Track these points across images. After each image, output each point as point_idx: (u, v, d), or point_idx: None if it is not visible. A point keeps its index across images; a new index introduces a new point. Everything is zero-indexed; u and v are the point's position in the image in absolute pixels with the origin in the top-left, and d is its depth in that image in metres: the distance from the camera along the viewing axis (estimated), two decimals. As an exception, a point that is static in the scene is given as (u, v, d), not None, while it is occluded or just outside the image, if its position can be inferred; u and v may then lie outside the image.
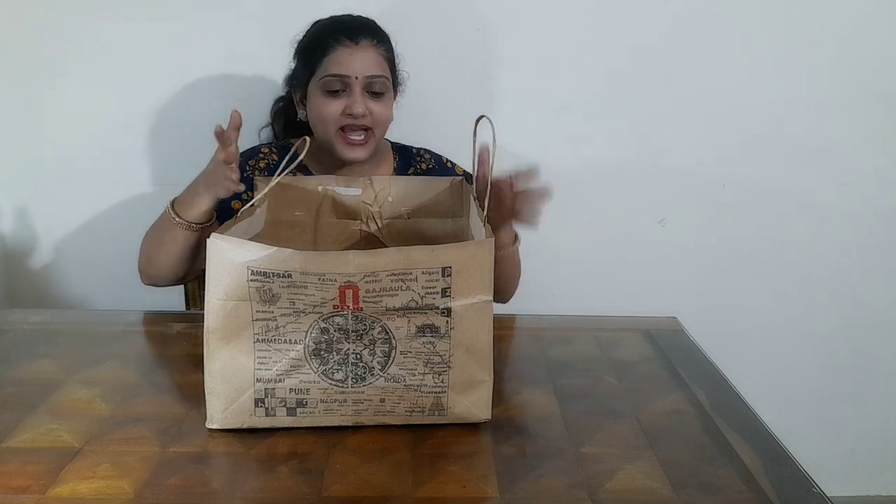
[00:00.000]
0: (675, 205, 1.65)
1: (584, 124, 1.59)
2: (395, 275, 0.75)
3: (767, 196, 1.65)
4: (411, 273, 0.76)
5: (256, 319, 0.77)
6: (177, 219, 1.07)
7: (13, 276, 1.62)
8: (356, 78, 1.16)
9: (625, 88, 1.57)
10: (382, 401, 0.81)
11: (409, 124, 1.36)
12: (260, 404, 0.80)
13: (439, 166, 1.34)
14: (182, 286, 1.39)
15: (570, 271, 1.63)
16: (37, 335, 1.06)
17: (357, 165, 1.22)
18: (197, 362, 0.97)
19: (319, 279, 0.75)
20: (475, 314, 0.79)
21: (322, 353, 0.79)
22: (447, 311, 0.78)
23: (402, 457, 0.77)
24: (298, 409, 0.81)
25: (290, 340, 0.78)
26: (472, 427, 0.83)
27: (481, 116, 0.93)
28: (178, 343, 1.05)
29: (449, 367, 0.80)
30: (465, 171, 1.32)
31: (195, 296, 1.44)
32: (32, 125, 1.54)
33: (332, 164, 1.23)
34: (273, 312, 0.77)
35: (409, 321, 0.78)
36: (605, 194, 1.63)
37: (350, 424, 0.82)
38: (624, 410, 0.88)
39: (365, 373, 0.80)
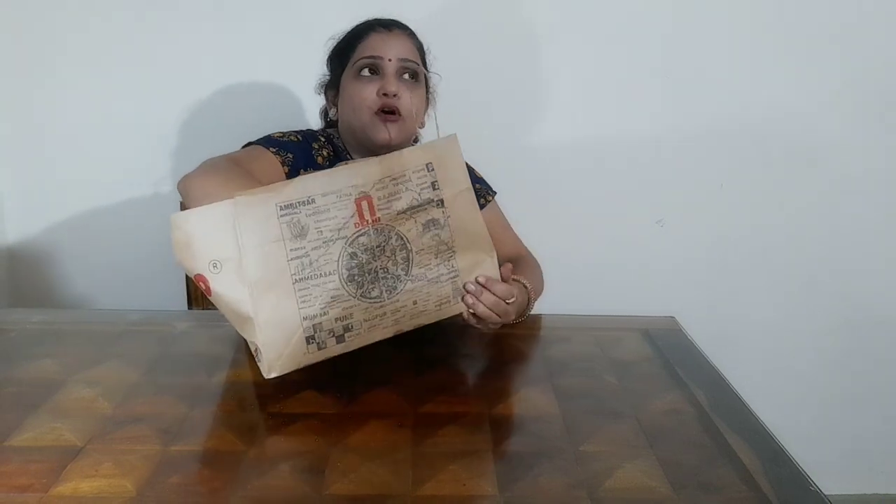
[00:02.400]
0: (675, 205, 1.65)
1: (584, 124, 1.59)
2: (394, 179, 0.88)
3: (767, 196, 1.65)
4: (405, 174, 0.88)
5: (291, 259, 0.83)
6: None
7: (16, 276, 1.62)
8: (389, 60, 1.16)
9: (622, 88, 1.57)
10: (415, 303, 0.91)
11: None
12: (311, 341, 0.86)
13: None
14: (185, 285, 1.39)
15: (570, 271, 1.63)
16: (39, 335, 1.06)
17: None
18: (198, 362, 0.98)
19: (338, 196, 0.84)
20: (462, 201, 0.92)
21: (355, 277, 0.86)
22: (441, 202, 0.91)
23: (402, 455, 0.77)
24: (346, 335, 0.87)
25: (324, 273, 0.84)
26: (473, 426, 0.83)
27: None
28: (180, 342, 1.05)
29: (454, 252, 0.92)
30: (480, 176, 1.32)
31: (197, 295, 1.44)
32: (35, 125, 1.55)
33: (363, 154, 1.21)
34: (305, 247, 0.83)
35: (415, 221, 0.89)
36: (605, 194, 1.64)
37: (392, 335, 0.91)
38: (623, 410, 0.89)
39: (395, 282, 0.89)
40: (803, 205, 1.66)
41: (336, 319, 0.86)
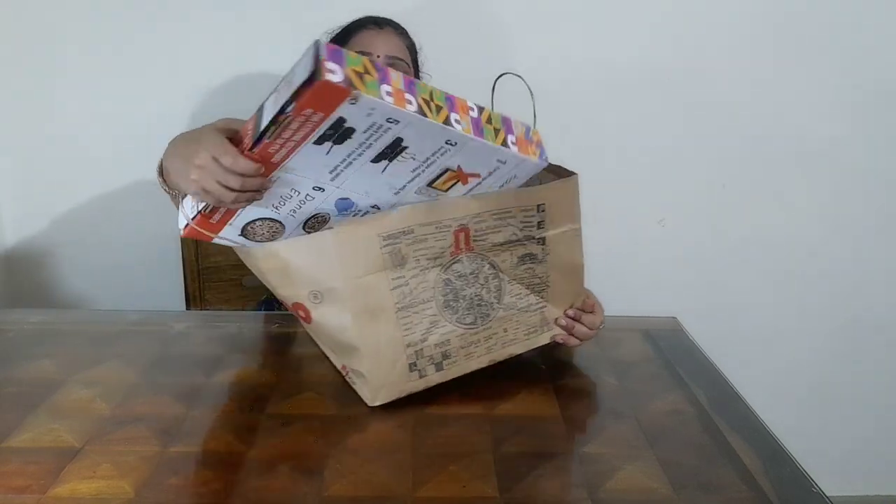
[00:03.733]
0: (675, 205, 1.65)
1: (584, 124, 1.59)
2: (496, 214, 0.87)
3: (767, 196, 1.65)
4: (510, 211, 0.88)
5: (393, 288, 0.84)
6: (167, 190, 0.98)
7: (14, 276, 1.62)
8: (378, 56, 1.17)
9: (623, 88, 1.57)
10: (506, 330, 0.92)
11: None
12: (413, 368, 0.87)
13: None
14: (182, 285, 1.39)
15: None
16: (37, 335, 1.06)
17: None
18: (197, 362, 0.98)
19: (437, 227, 0.84)
20: (566, 239, 0.93)
21: (451, 303, 0.88)
22: (542, 240, 0.91)
23: (402, 457, 0.77)
24: (444, 362, 0.89)
25: (423, 300, 0.86)
26: (473, 427, 0.83)
27: (503, 74, 0.95)
28: (178, 343, 1.05)
29: (547, 285, 0.93)
30: None
31: (195, 296, 1.44)
32: (33, 125, 1.54)
33: None
34: (405, 276, 0.84)
35: (511, 254, 0.90)
36: (606, 195, 1.63)
37: (486, 364, 0.91)
38: (624, 410, 0.88)
39: (488, 309, 0.90)
40: (805, 205, 1.65)
41: (435, 346, 0.87)
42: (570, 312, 0.96)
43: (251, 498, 0.70)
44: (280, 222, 0.86)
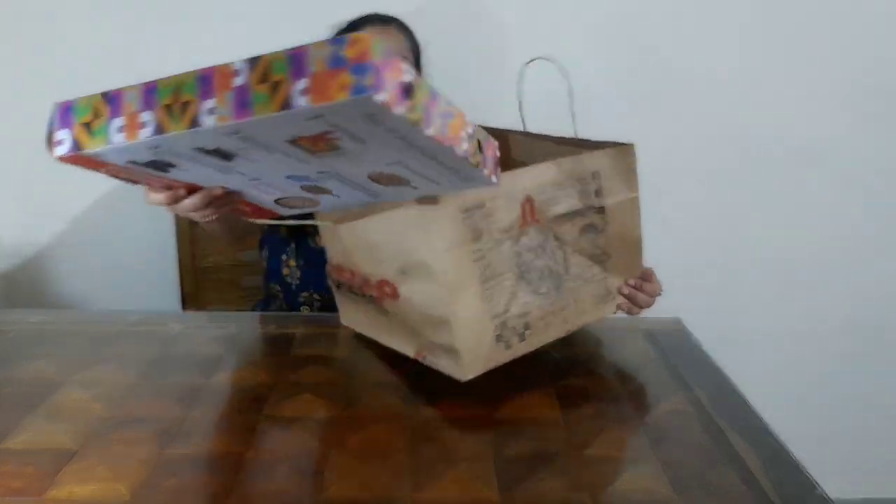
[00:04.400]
0: (678, 205, 1.64)
1: (583, 124, 1.58)
2: (555, 184, 0.89)
3: (772, 197, 1.64)
4: (568, 180, 0.90)
5: (475, 260, 0.84)
6: None
7: (11, 276, 1.61)
8: None
9: (624, 88, 1.56)
10: (576, 301, 0.94)
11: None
12: (500, 339, 0.88)
13: None
14: (178, 286, 1.39)
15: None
16: (35, 335, 1.05)
17: None
18: (195, 363, 0.97)
19: (506, 199, 0.85)
20: (626, 208, 0.96)
21: (525, 275, 0.88)
22: (602, 209, 0.93)
23: (401, 458, 0.76)
24: (526, 332, 0.90)
25: (500, 272, 0.86)
26: (473, 429, 0.82)
27: (534, 59, 0.97)
28: (177, 343, 1.04)
29: (609, 256, 0.96)
30: None
31: (193, 296, 1.44)
32: (30, 124, 1.54)
33: None
34: (482, 249, 0.85)
35: (572, 224, 0.91)
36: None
37: (563, 335, 0.94)
38: (626, 412, 0.88)
39: (559, 280, 0.92)
40: (808, 205, 1.65)
41: (517, 316, 0.88)
42: (632, 282, 1.00)
43: (250, 500, 0.70)
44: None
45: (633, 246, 0.99)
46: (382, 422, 0.83)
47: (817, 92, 1.58)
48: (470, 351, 0.86)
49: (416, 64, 1.27)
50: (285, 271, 1.27)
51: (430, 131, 0.58)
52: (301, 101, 0.53)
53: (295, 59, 0.54)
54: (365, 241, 0.89)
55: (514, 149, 1.15)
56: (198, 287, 1.46)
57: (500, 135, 1.11)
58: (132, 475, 0.72)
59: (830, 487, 0.75)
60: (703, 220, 1.66)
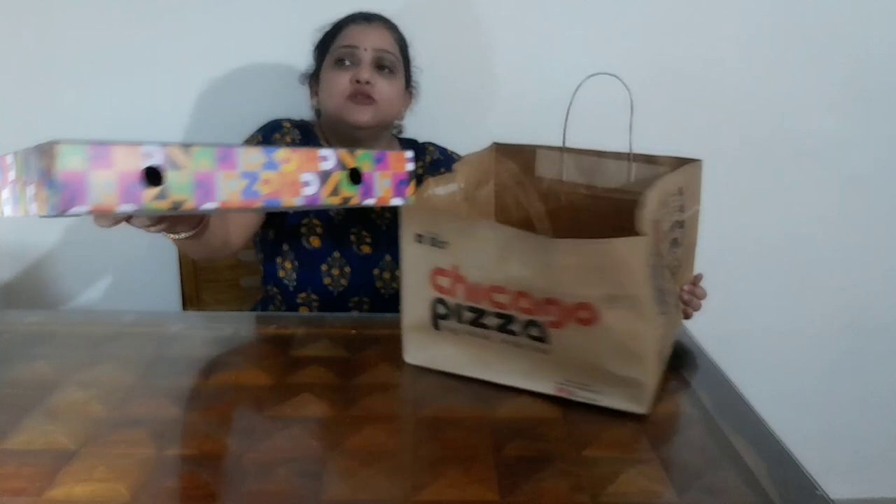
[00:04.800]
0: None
1: (583, 124, 1.58)
2: (662, 203, 0.88)
3: (772, 197, 1.64)
4: (669, 197, 0.92)
5: (653, 292, 0.86)
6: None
7: (9, 277, 1.61)
8: (365, 49, 1.19)
9: (624, 88, 1.56)
10: (675, 315, 0.97)
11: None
12: (662, 367, 0.92)
13: (444, 157, 1.37)
14: (179, 286, 1.39)
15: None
16: (33, 336, 1.05)
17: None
18: (194, 364, 0.97)
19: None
20: (694, 221, 1.02)
21: (658, 298, 0.87)
22: (682, 224, 0.96)
23: (401, 459, 0.76)
24: (663, 357, 0.93)
25: (656, 301, 0.87)
26: (473, 430, 0.82)
27: (594, 74, 0.99)
28: (175, 344, 1.04)
29: (680, 266, 0.98)
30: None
31: (192, 296, 1.43)
32: (29, 124, 1.54)
33: (342, 142, 1.25)
34: (657, 279, 0.86)
35: (666, 241, 0.92)
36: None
37: (669, 353, 0.96)
38: (626, 413, 0.88)
39: (672, 298, 0.95)
40: (808, 205, 1.65)
41: (663, 338, 0.90)
42: (687, 287, 1.03)
43: (248, 501, 0.69)
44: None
45: (692, 254, 1.03)
46: (382, 422, 0.83)
47: (817, 91, 1.58)
48: (653, 384, 0.86)
49: (405, 58, 1.28)
50: (281, 273, 1.26)
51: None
52: None
53: None
54: (584, 262, 0.81)
55: (540, 165, 1.16)
56: (198, 288, 1.46)
57: (528, 150, 1.14)
58: (131, 475, 0.72)
59: (832, 488, 0.75)
60: (704, 220, 1.65)
